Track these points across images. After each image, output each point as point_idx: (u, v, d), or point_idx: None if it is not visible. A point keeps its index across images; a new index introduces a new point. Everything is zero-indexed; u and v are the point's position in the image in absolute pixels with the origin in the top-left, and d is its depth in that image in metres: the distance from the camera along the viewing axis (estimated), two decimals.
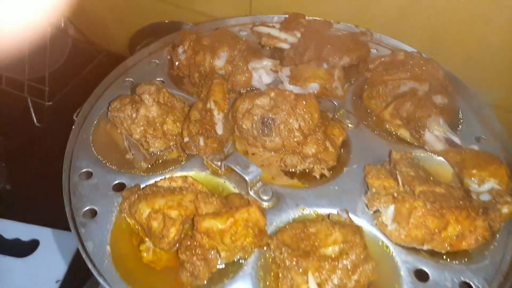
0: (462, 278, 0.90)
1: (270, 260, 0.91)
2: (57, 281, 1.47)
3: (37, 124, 1.97)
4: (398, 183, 1.00)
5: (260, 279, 0.87)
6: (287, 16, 1.48)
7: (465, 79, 1.34)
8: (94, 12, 2.26)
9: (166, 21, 2.13)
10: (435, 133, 1.13)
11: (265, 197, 0.99)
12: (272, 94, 1.10)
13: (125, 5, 2.20)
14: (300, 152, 1.09)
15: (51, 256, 1.56)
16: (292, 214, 0.99)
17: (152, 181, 0.99)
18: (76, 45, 2.26)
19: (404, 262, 0.92)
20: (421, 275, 0.91)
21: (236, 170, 0.98)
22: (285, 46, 1.41)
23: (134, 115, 1.01)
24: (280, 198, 1.01)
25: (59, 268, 1.51)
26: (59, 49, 2.15)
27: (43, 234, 1.60)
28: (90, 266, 0.83)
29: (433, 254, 0.94)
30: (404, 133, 1.19)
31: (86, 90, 1.23)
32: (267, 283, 0.88)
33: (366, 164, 1.08)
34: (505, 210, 0.98)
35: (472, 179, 1.02)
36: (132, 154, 1.03)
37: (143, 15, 2.17)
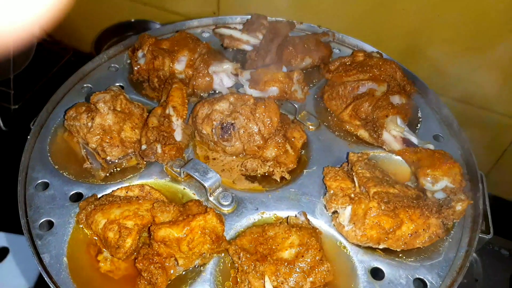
0: (417, 275, 0.93)
1: (229, 265, 0.92)
2: None
3: (3, 128, 1.93)
4: (355, 185, 1.02)
5: (218, 284, 0.89)
6: (249, 17, 1.48)
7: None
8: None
9: (133, 20, 2.11)
10: (393, 133, 1.15)
11: (225, 203, 1.00)
12: (232, 99, 1.11)
13: (92, 3, 2.16)
14: (260, 156, 1.10)
15: (22, 263, 1.54)
16: (252, 218, 1.01)
17: (110, 190, 0.99)
18: (42, 45, 2.21)
19: (360, 261, 0.95)
20: (377, 274, 0.93)
21: (195, 176, 0.99)
22: (247, 47, 1.41)
23: (89, 123, 1.00)
24: (240, 203, 1.02)
25: (30, 275, 1.49)
26: (24, 50, 2.10)
27: (12, 241, 1.58)
28: (46, 278, 0.83)
29: (389, 253, 0.97)
30: (363, 133, 1.21)
31: (55, 91, 1.21)
32: None
33: (326, 165, 1.09)
34: (458, 207, 1.01)
35: (427, 178, 1.05)
36: (90, 163, 1.02)
37: (111, 14, 2.14)
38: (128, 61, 1.34)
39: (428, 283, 0.92)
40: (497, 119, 1.70)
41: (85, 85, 1.25)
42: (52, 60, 2.26)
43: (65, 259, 0.88)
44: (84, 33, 2.23)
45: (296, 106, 1.22)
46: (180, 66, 1.23)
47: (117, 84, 1.26)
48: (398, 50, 1.63)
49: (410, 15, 1.55)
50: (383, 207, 0.94)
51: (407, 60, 1.47)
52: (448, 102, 1.66)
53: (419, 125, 1.27)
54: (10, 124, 1.93)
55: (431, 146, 1.14)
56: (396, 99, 1.21)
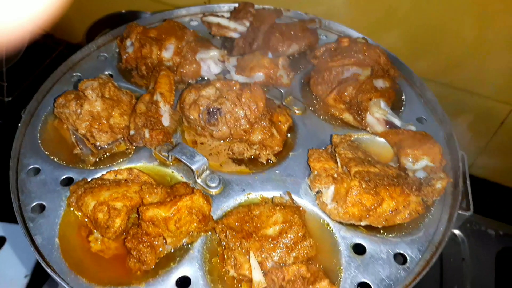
0: (397, 250, 0.97)
1: (216, 243, 0.96)
2: (25, 276, 1.49)
3: None
4: (338, 165, 1.05)
5: (206, 261, 0.92)
6: (237, 5, 1.50)
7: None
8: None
9: (123, 11, 2.12)
10: (376, 115, 1.18)
11: (212, 185, 1.03)
12: (218, 85, 1.14)
13: None
14: (247, 139, 1.13)
15: (19, 251, 1.57)
16: (238, 199, 1.04)
17: (99, 174, 1.02)
18: (34, 38, 2.22)
19: (343, 238, 0.98)
20: (358, 249, 0.97)
21: (182, 160, 1.02)
22: (235, 35, 1.43)
23: (78, 110, 1.02)
24: (227, 184, 1.06)
25: (28, 263, 1.52)
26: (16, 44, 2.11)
27: (9, 230, 1.61)
28: (38, 258, 0.86)
29: (370, 229, 1.01)
30: (348, 117, 1.24)
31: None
32: (213, 264, 0.92)
33: (311, 148, 1.12)
34: (438, 185, 1.04)
35: (408, 158, 1.09)
36: (80, 149, 1.05)
37: (102, 5, 2.15)
38: (117, 50, 1.36)
39: (408, 257, 0.95)
40: (486, 104, 1.73)
41: (74, 74, 1.28)
42: (44, 52, 2.27)
43: (57, 240, 0.91)
44: (76, 25, 2.24)
45: (282, 91, 1.25)
46: (167, 53, 1.25)
47: (106, 73, 1.28)
48: (386, 35, 1.65)
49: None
50: (364, 186, 0.97)
51: (394, 45, 1.50)
52: (437, 87, 1.70)
53: (403, 108, 1.30)
54: (4, 116, 1.95)
55: (413, 128, 1.17)
56: (380, 83, 1.24)
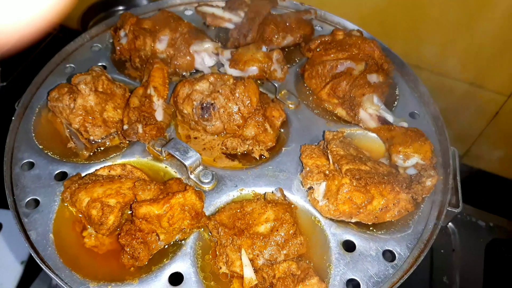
0: (386, 247, 0.99)
1: (209, 239, 0.97)
2: (22, 262, 1.51)
3: None
4: (330, 162, 1.06)
5: (198, 257, 0.94)
6: None
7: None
8: None
9: None
10: (369, 111, 1.19)
11: (205, 180, 1.04)
12: (212, 79, 1.13)
13: None
14: (240, 134, 1.13)
15: (15, 237, 1.58)
16: (231, 195, 1.05)
17: (93, 169, 1.02)
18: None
19: (333, 235, 1.00)
20: (348, 246, 0.99)
21: (175, 156, 1.02)
22: (230, 26, 1.42)
23: (72, 105, 1.02)
24: (220, 180, 1.06)
25: (24, 249, 1.54)
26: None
27: (5, 216, 1.62)
28: (33, 254, 0.87)
29: (360, 226, 1.02)
30: (341, 111, 1.25)
31: (42, 68, 1.22)
32: (206, 261, 0.94)
33: (303, 143, 1.13)
34: (428, 183, 1.06)
35: (399, 155, 1.10)
36: (74, 143, 1.05)
37: None
38: (111, 41, 1.35)
39: (396, 254, 0.98)
40: (480, 94, 1.73)
41: (68, 65, 1.27)
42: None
43: (51, 235, 0.92)
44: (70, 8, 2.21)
45: (276, 85, 1.25)
46: (161, 45, 1.24)
47: (100, 64, 1.27)
48: (380, 24, 1.64)
49: None
50: (355, 183, 0.99)
51: (387, 36, 1.48)
52: (432, 78, 1.70)
53: (396, 102, 1.30)
54: None
55: (405, 124, 1.18)
56: (374, 78, 1.24)
